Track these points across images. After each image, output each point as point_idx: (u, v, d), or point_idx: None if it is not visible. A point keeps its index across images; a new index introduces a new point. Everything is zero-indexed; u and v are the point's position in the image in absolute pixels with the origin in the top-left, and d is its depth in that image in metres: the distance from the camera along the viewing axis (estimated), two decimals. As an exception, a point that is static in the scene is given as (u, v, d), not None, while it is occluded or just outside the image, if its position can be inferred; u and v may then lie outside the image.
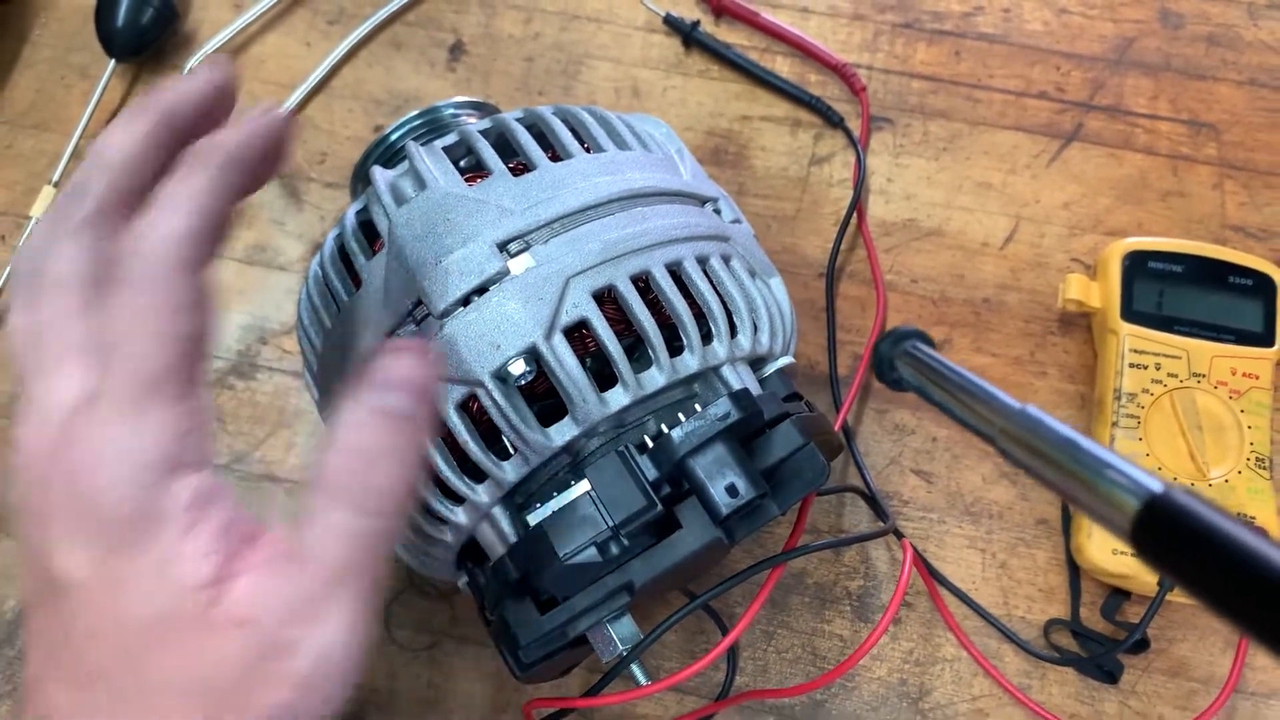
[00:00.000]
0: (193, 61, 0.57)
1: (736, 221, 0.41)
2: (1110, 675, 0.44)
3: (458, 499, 0.35)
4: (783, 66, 0.56)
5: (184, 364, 0.25)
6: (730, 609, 0.46)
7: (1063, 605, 0.46)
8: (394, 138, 0.43)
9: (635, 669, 0.35)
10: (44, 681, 0.25)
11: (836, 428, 0.47)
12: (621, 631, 0.34)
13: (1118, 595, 0.45)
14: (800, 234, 0.53)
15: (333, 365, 0.38)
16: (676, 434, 0.33)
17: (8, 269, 0.52)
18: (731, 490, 0.33)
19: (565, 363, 0.33)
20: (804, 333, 0.51)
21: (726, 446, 0.33)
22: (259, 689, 0.24)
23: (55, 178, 0.54)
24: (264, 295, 0.53)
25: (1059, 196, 0.53)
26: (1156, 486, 0.20)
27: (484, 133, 0.38)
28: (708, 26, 0.57)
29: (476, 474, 0.34)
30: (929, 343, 0.29)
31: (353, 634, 0.25)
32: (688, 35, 0.56)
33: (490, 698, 0.45)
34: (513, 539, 0.34)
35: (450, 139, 0.38)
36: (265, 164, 0.27)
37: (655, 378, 0.34)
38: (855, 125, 0.54)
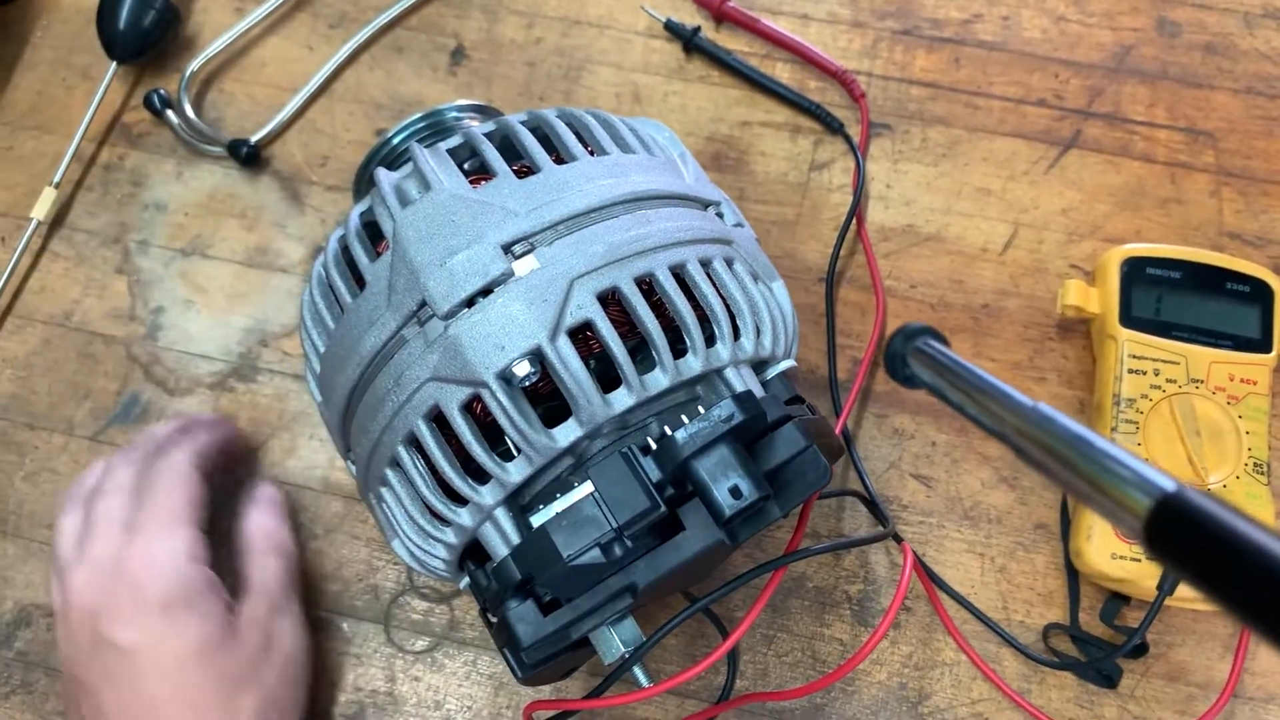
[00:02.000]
0: (194, 64, 0.57)
1: (739, 225, 0.41)
2: (1109, 680, 0.44)
3: (461, 500, 0.35)
4: (783, 73, 0.57)
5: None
6: (731, 613, 0.46)
7: (1062, 609, 0.46)
8: (397, 140, 0.43)
9: (637, 671, 0.35)
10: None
11: (836, 432, 0.47)
12: (624, 634, 0.34)
13: (1117, 599, 0.45)
14: (800, 239, 0.53)
15: (335, 366, 0.38)
16: (680, 435, 0.33)
17: (7, 269, 0.53)
18: (735, 492, 0.33)
19: (569, 364, 0.33)
20: (804, 337, 0.51)
21: (730, 448, 0.33)
22: (263, 670, 0.41)
23: (56, 179, 0.54)
24: (265, 298, 0.53)
25: (1057, 203, 0.53)
26: (1169, 485, 0.20)
27: (488, 135, 0.38)
28: (708, 32, 0.57)
29: (480, 475, 0.34)
30: (941, 339, 0.29)
31: (305, 631, 0.44)
32: (688, 41, 0.57)
33: (490, 700, 0.45)
34: (516, 540, 0.34)
35: (454, 141, 0.38)
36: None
37: (659, 379, 0.34)
38: (855, 131, 0.55)
